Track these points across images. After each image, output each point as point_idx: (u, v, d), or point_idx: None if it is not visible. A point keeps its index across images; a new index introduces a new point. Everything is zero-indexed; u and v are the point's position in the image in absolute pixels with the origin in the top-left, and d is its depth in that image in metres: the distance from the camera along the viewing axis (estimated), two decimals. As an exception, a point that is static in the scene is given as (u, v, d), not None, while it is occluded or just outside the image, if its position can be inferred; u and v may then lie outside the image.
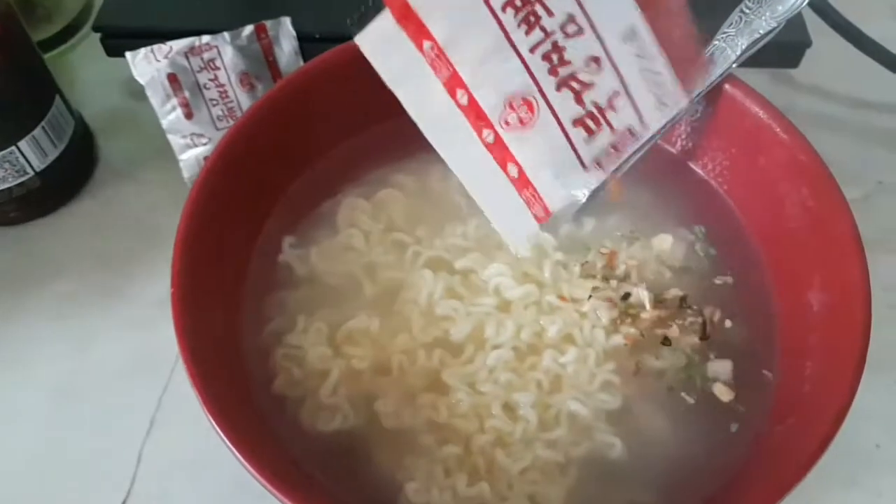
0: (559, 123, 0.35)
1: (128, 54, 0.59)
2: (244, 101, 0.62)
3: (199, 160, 0.64)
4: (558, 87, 0.34)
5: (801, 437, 0.44)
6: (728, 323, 0.53)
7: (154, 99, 0.61)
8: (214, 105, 0.62)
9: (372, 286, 0.55)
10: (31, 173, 0.62)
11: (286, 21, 0.63)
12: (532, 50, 0.33)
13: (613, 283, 0.53)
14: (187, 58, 0.59)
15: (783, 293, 0.53)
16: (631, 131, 0.38)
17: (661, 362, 0.51)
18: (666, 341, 0.51)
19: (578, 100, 0.35)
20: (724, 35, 0.55)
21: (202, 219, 0.49)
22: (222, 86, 0.61)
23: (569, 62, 0.34)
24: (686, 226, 0.58)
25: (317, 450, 0.48)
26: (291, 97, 0.56)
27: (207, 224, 0.50)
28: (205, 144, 0.63)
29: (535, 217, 0.37)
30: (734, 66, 0.54)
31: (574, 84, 0.34)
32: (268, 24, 0.62)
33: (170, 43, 0.59)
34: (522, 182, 0.36)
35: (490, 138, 0.34)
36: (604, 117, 0.36)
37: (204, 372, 0.44)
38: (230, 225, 0.53)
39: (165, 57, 0.59)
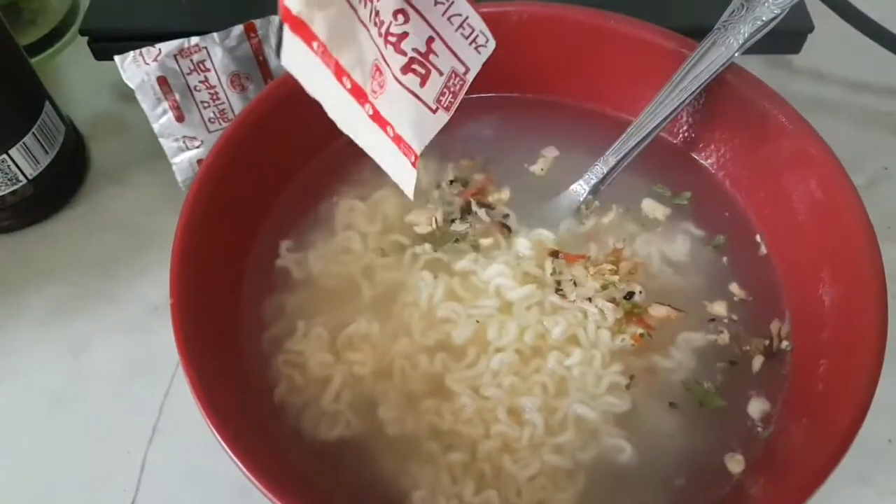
0: (394, 76, 0.39)
1: (117, 58, 0.58)
2: (235, 102, 0.61)
3: (193, 163, 0.63)
4: (385, 44, 0.38)
5: (815, 439, 0.43)
6: (736, 318, 0.52)
7: (144, 103, 0.60)
8: (206, 107, 0.61)
9: (370, 289, 0.54)
10: (24, 181, 0.61)
11: (276, 19, 0.61)
12: (370, 19, 0.36)
13: (617, 281, 0.52)
14: (177, 60, 0.58)
15: (793, 288, 0.52)
16: (455, 73, 0.41)
17: (670, 362, 0.50)
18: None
19: (398, 49, 0.38)
20: (725, 23, 0.54)
21: (199, 227, 0.48)
22: (213, 87, 0.60)
23: (383, 21, 0.37)
24: (690, 220, 0.57)
25: (320, 458, 0.47)
26: (283, 98, 0.54)
27: (204, 232, 0.49)
28: (197, 147, 0.62)
29: (412, 164, 0.41)
30: (736, 55, 0.53)
31: (391, 37, 0.38)
32: (257, 23, 0.61)
33: (158, 45, 0.58)
34: (397, 138, 0.40)
35: (370, 111, 0.38)
36: (428, 61, 0.40)
37: (206, 382, 0.43)
38: (227, 231, 0.52)
39: (154, 60, 0.58)
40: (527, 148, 0.60)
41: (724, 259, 0.55)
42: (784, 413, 0.48)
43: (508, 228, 0.56)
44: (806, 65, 0.74)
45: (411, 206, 0.57)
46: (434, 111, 0.41)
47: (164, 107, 0.60)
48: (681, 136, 0.59)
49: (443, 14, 0.39)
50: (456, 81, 0.41)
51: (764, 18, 0.53)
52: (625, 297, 0.52)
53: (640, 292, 0.52)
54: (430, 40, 0.39)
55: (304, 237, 0.56)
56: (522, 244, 0.54)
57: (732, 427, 0.48)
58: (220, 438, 0.41)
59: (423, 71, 0.39)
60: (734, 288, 0.53)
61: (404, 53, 0.38)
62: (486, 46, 0.41)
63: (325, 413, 0.49)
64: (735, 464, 0.47)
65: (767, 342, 0.51)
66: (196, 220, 0.48)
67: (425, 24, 0.38)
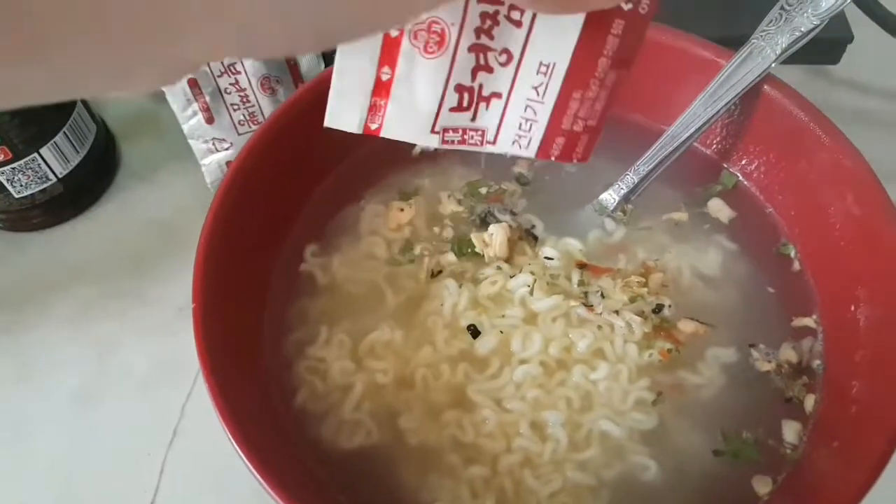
0: (448, 76, 0.34)
1: (147, 59, 0.58)
2: (266, 105, 0.61)
3: (222, 165, 0.63)
4: (469, 49, 0.33)
5: (846, 463, 0.41)
6: (768, 337, 0.51)
7: (174, 104, 0.60)
8: (236, 110, 0.61)
9: (394, 296, 0.53)
10: (54, 179, 0.62)
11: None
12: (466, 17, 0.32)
13: (646, 294, 0.51)
14: (207, 62, 0.58)
15: (827, 306, 0.51)
16: (482, 134, 0.37)
17: (699, 378, 0.49)
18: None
19: (474, 72, 0.34)
20: (763, 33, 0.53)
21: (224, 230, 0.48)
22: (243, 90, 0.60)
23: (493, 37, 0.33)
24: (723, 233, 0.55)
25: (339, 467, 0.47)
26: (313, 102, 0.54)
27: (229, 235, 0.49)
28: (227, 149, 0.62)
29: (367, 126, 0.36)
30: (773, 65, 0.52)
31: (482, 58, 0.33)
32: (289, 25, 0.60)
33: (189, 47, 0.58)
34: (383, 90, 0.35)
35: (394, 33, 0.33)
36: (476, 104, 0.35)
37: (225, 389, 0.43)
38: (252, 235, 0.52)
39: (185, 61, 0.58)
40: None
41: (756, 273, 0.53)
42: (814, 435, 0.46)
43: (535, 237, 0.55)
44: (846, 75, 0.72)
45: (441, 211, 0.56)
46: (432, 131, 0.36)
47: (194, 108, 0.60)
48: (714, 146, 0.58)
49: (527, 97, 0.35)
50: (475, 137, 0.37)
51: (803, 29, 0.51)
52: (653, 311, 0.51)
53: (670, 306, 0.51)
54: (495, 94, 0.35)
55: (330, 242, 0.56)
56: (549, 253, 0.53)
57: (761, 448, 0.47)
58: (237, 447, 0.41)
59: (465, 103, 0.35)
60: (766, 303, 0.52)
61: (474, 79, 0.35)
62: (525, 149, 0.36)
63: (346, 421, 0.48)
64: (762, 485, 0.46)
65: (808, 380, 0.49)
66: (221, 223, 0.48)
67: (508, 84, 0.34)
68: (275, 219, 0.55)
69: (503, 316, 0.51)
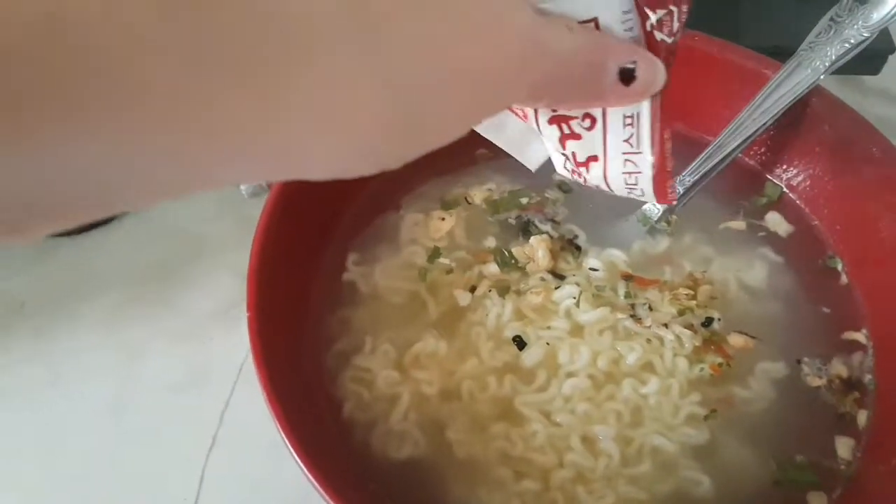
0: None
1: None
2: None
3: (256, 171, 0.62)
4: (550, 122, 0.34)
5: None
6: (818, 351, 0.50)
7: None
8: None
9: (436, 306, 0.52)
10: (84, 184, 0.61)
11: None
12: None
13: (695, 306, 0.51)
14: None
15: (878, 321, 0.50)
16: (597, 189, 0.37)
17: (748, 392, 0.48)
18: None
19: (562, 142, 0.34)
20: (811, 44, 0.52)
21: (274, 243, 0.48)
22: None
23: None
24: (768, 246, 0.55)
25: (387, 477, 0.46)
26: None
27: (278, 246, 0.48)
28: (260, 155, 0.61)
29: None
30: (822, 77, 0.52)
31: (564, 127, 0.34)
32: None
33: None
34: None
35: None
36: (577, 169, 0.36)
37: (281, 397, 0.42)
38: (299, 245, 0.51)
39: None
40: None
41: (804, 286, 0.53)
42: (868, 451, 0.46)
43: (578, 248, 0.54)
44: (877, 86, 0.72)
45: (480, 219, 0.56)
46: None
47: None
48: (759, 157, 0.58)
49: (623, 151, 0.34)
50: (600, 186, 0.37)
51: (852, 41, 0.51)
52: (702, 324, 0.50)
53: (719, 319, 0.50)
54: (591, 158, 0.35)
55: (371, 250, 0.55)
56: (594, 264, 0.53)
57: (815, 466, 0.47)
58: (296, 456, 0.40)
59: (569, 167, 0.35)
60: (814, 317, 0.52)
61: (563, 146, 0.35)
62: (642, 197, 0.36)
63: (394, 432, 0.48)
64: (818, 501, 0.45)
65: (859, 395, 0.49)
66: (272, 233, 0.48)
67: (601, 143, 0.34)
68: (317, 228, 0.54)
69: (548, 327, 0.50)
